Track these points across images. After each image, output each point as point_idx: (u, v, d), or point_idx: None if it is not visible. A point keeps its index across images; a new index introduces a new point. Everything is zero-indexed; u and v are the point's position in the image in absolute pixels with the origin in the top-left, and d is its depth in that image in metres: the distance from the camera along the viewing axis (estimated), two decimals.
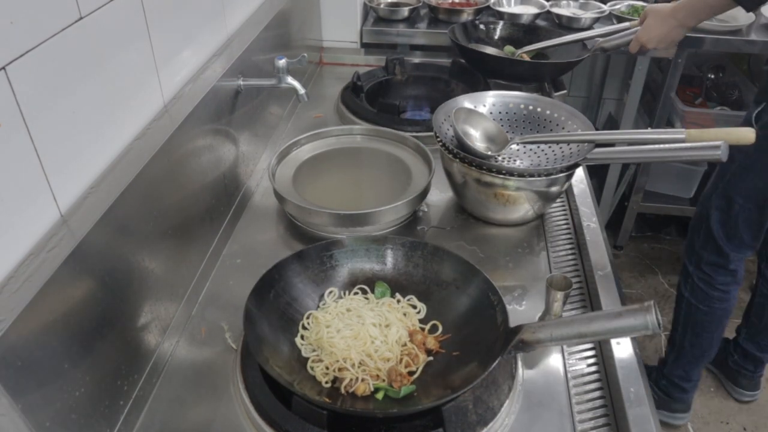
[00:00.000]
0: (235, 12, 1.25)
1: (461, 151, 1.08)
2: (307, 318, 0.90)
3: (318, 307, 0.93)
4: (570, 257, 1.09)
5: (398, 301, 0.94)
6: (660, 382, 1.91)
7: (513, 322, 0.80)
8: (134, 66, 0.85)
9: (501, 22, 1.86)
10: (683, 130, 0.99)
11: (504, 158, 1.22)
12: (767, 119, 1.47)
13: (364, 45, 1.96)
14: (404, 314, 0.91)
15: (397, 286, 0.96)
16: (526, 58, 1.71)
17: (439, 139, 1.12)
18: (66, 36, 0.69)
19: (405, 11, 2.00)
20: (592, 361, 0.89)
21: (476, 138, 1.19)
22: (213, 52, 1.14)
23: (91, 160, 0.76)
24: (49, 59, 0.66)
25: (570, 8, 2.14)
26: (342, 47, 1.93)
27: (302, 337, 0.88)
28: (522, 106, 1.25)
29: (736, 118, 2.07)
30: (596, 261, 1.02)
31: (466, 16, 2.00)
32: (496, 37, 1.84)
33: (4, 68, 0.59)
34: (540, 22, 1.99)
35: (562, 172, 1.05)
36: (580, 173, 1.25)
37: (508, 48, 1.77)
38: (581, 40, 1.66)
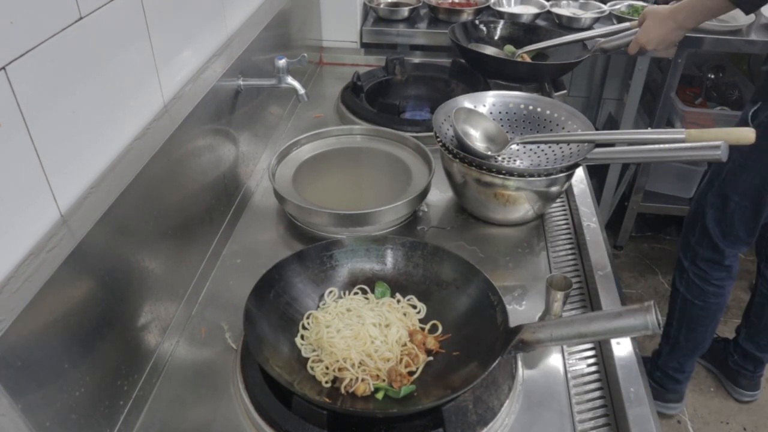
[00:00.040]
0: (235, 12, 1.25)
1: (461, 151, 1.08)
2: (307, 318, 0.90)
3: (318, 307, 0.93)
4: (570, 257, 1.09)
5: (398, 301, 0.94)
6: (654, 374, 1.94)
7: (513, 322, 0.80)
8: (134, 66, 0.85)
9: (501, 22, 1.86)
10: (683, 130, 0.99)
11: (504, 158, 1.22)
12: (763, 118, 1.48)
13: (364, 45, 1.96)
14: (404, 314, 0.91)
15: (397, 286, 0.96)
16: (527, 57, 1.71)
17: (439, 139, 1.12)
18: (66, 36, 0.69)
19: (405, 11, 2.00)
20: (592, 361, 0.89)
21: (476, 138, 1.19)
22: (213, 52, 1.14)
23: (91, 160, 0.76)
24: (49, 59, 0.66)
25: (570, 8, 2.14)
26: (342, 47, 1.93)
27: (302, 337, 0.88)
28: (522, 106, 1.25)
29: (736, 118, 2.07)
30: (596, 261, 1.02)
31: (466, 16, 2.00)
32: (496, 37, 1.84)
33: (4, 68, 0.59)
34: (540, 22, 1.99)
35: (562, 172, 1.05)
36: (580, 173, 1.25)
37: (509, 48, 1.77)
38: (581, 41, 1.67)
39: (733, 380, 2.04)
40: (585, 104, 2.88)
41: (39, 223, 0.66)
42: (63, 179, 0.70)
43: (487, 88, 1.51)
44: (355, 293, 0.95)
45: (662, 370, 1.92)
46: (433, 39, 1.96)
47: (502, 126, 1.22)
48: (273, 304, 0.88)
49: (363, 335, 0.85)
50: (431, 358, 0.86)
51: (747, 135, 0.95)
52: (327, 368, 0.82)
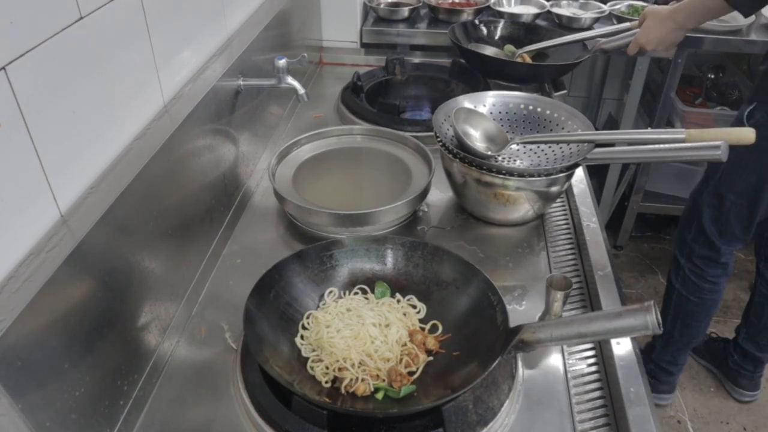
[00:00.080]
0: (235, 12, 1.25)
1: (461, 151, 1.08)
2: (307, 318, 0.90)
3: (318, 307, 0.93)
4: (570, 257, 1.09)
5: (398, 301, 0.94)
6: (647, 366, 1.95)
7: (513, 322, 0.80)
8: (134, 66, 0.85)
9: (501, 22, 1.86)
10: (683, 130, 1.00)
11: (504, 158, 1.22)
12: (758, 117, 1.48)
13: (364, 45, 1.96)
14: (404, 314, 0.91)
15: (397, 286, 0.96)
16: (527, 57, 1.71)
17: (439, 139, 1.12)
18: (66, 36, 0.69)
19: (405, 11, 2.00)
20: (592, 361, 0.89)
21: (476, 138, 1.19)
22: (213, 52, 1.14)
23: (91, 160, 0.76)
24: (49, 59, 0.66)
25: (570, 8, 2.14)
26: (342, 47, 1.93)
27: (302, 337, 0.88)
28: (522, 106, 1.25)
29: None
30: (596, 261, 1.02)
31: (466, 16, 2.00)
32: (496, 37, 1.84)
33: (4, 68, 0.59)
34: (540, 22, 1.99)
35: (562, 172, 1.05)
36: (580, 173, 1.25)
37: (509, 47, 1.77)
38: (581, 41, 1.67)
39: (733, 380, 2.04)
40: (585, 104, 2.88)
41: (39, 223, 0.66)
42: (63, 179, 0.70)
43: (487, 88, 1.51)
44: (355, 293, 0.95)
45: (656, 363, 1.94)
46: (433, 39, 1.96)
47: (502, 126, 1.22)
48: (273, 304, 0.88)
49: (363, 335, 0.85)
50: (431, 358, 0.86)
51: (747, 135, 0.95)
52: (327, 368, 0.82)
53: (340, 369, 0.82)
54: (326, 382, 0.82)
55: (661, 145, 0.99)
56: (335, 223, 1.09)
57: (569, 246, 1.11)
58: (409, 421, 0.77)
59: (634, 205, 2.47)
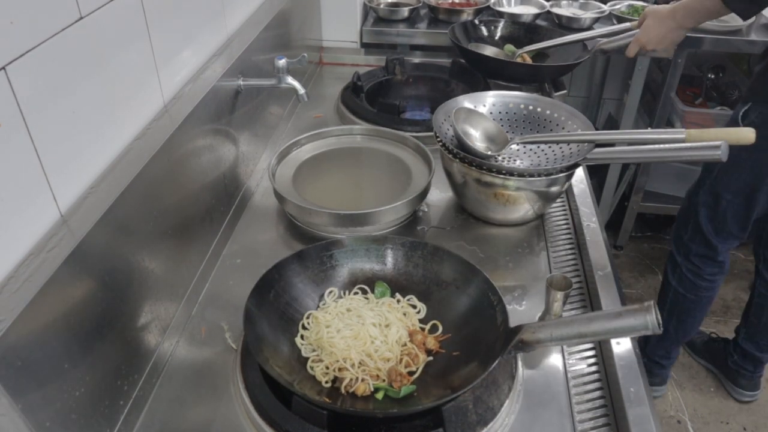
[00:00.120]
0: (235, 12, 1.25)
1: (461, 151, 1.08)
2: (307, 318, 0.90)
3: (318, 307, 0.93)
4: (570, 257, 1.09)
5: (398, 301, 0.94)
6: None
7: (513, 322, 0.80)
8: (134, 66, 0.85)
9: (501, 22, 1.86)
10: (683, 130, 0.99)
11: (504, 158, 1.22)
12: (754, 117, 1.48)
13: (364, 45, 1.96)
14: (404, 314, 0.91)
15: (397, 286, 0.96)
16: (527, 57, 1.71)
17: (439, 139, 1.12)
18: (66, 36, 0.69)
19: (405, 11, 2.00)
20: (592, 361, 0.89)
21: (476, 138, 1.19)
22: (213, 52, 1.14)
23: (91, 160, 0.76)
24: (49, 59, 0.66)
25: (570, 8, 2.14)
26: (342, 47, 1.93)
27: (302, 337, 0.88)
28: (522, 106, 1.25)
29: None
30: (596, 261, 1.02)
31: (466, 16, 2.00)
32: (496, 37, 1.84)
33: (4, 68, 0.59)
34: (540, 22, 1.99)
35: (562, 172, 1.05)
36: (580, 173, 1.25)
37: (509, 47, 1.77)
38: (581, 41, 1.67)
39: (733, 380, 2.05)
40: (585, 104, 2.88)
41: (39, 223, 0.66)
42: (63, 179, 0.70)
43: (487, 88, 1.51)
44: (355, 293, 0.95)
45: (649, 357, 1.97)
46: (433, 39, 1.96)
47: (502, 126, 1.22)
48: (273, 304, 0.88)
49: (363, 335, 0.85)
50: (431, 358, 0.86)
51: (747, 135, 0.95)
52: (327, 368, 0.82)
53: (340, 369, 0.82)
54: (326, 382, 0.82)
55: (661, 145, 0.99)
56: (335, 223, 1.09)
57: (569, 246, 1.11)
58: (409, 421, 0.77)
59: (634, 205, 2.47)
